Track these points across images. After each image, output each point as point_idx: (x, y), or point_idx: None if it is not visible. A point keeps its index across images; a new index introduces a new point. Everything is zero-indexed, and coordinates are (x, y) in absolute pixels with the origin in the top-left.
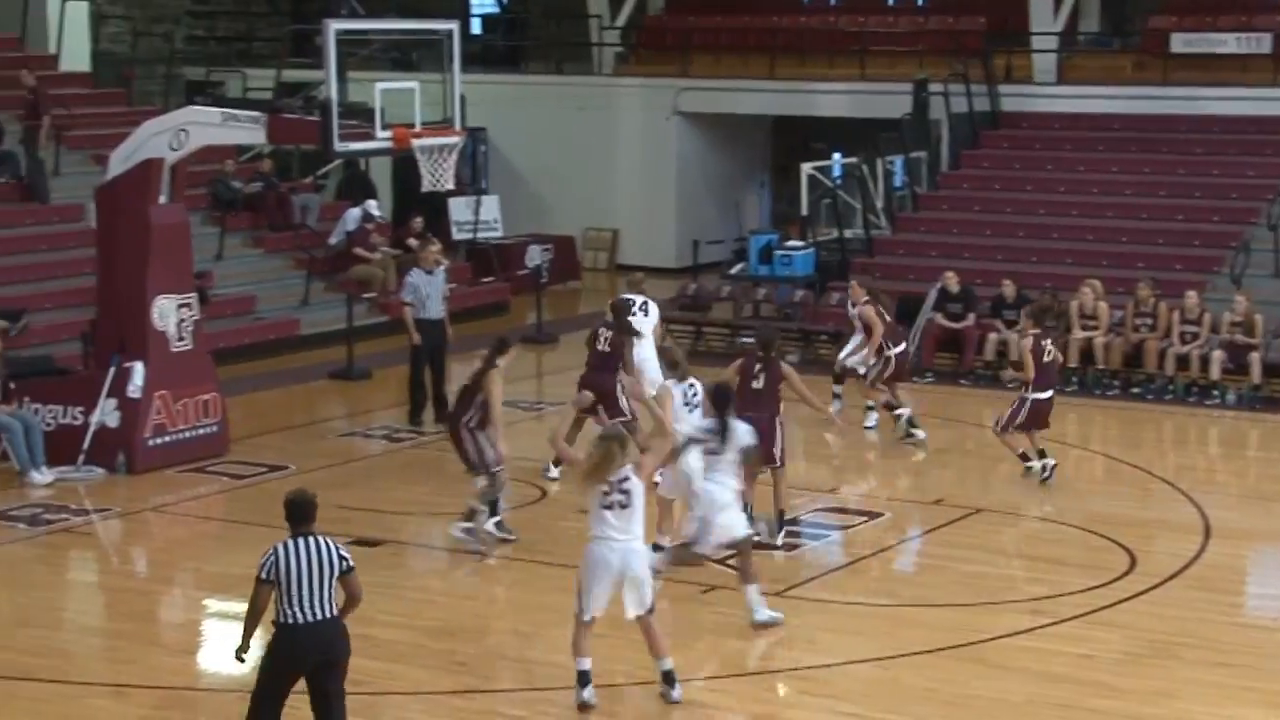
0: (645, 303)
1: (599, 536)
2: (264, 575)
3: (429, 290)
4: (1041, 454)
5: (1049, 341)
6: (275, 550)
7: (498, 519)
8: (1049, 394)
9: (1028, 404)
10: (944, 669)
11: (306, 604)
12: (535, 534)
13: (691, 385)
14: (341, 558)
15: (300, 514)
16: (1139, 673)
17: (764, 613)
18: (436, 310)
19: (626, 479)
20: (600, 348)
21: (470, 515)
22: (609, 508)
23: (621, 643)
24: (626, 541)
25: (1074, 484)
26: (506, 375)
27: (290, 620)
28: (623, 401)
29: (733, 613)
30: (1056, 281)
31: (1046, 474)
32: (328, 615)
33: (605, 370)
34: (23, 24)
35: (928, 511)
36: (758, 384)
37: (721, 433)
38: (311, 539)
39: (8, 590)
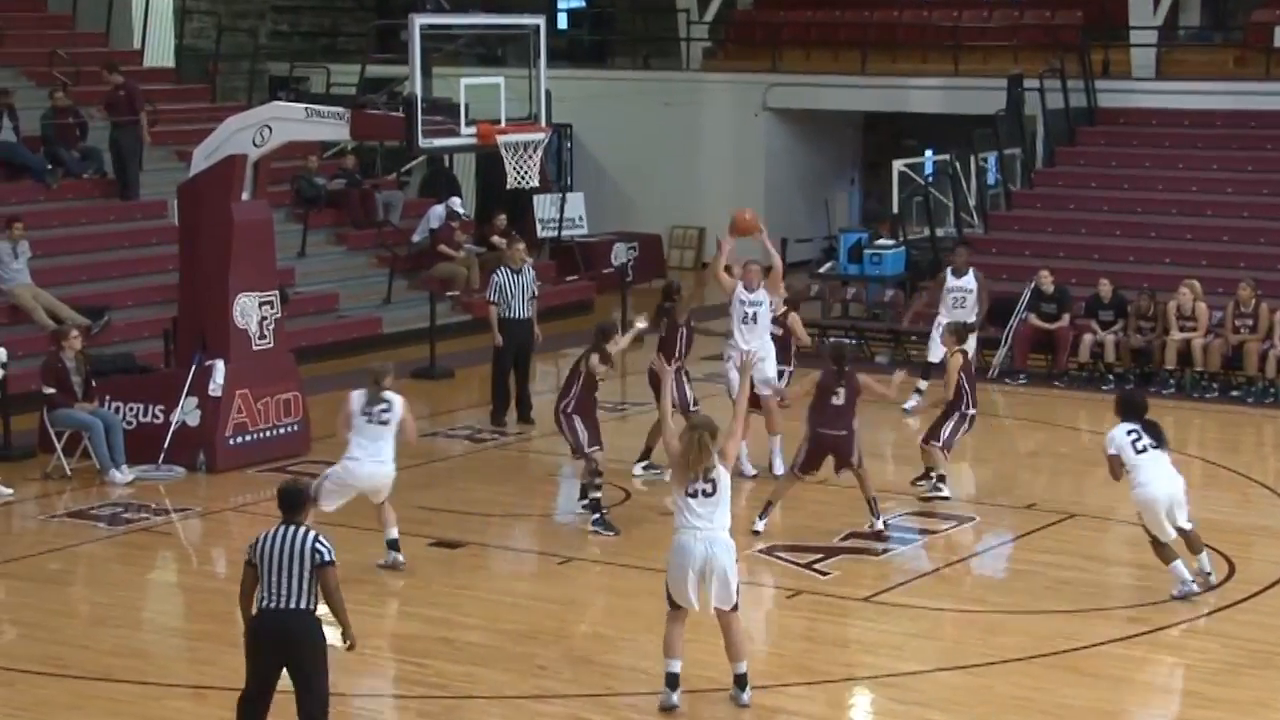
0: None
1: (683, 526)
2: (247, 557)
3: (514, 290)
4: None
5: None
6: (260, 535)
7: (599, 514)
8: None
9: (968, 419)
10: (1037, 677)
11: (275, 590)
12: (619, 536)
13: (386, 404)
14: (315, 550)
15: (286, 503)
16: (1238, 683)
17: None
18: (522, 310)
19: (712, 468)
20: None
21: (588, 497)
22: (693, 496)
23: (706, 648)
24: (711, 531)
25: None
26: (615, 362)
27: (261, 604)
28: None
29: (819, 618)
30: (1154, 282)
31: (932, 492)
32: (294, 605)
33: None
34: (108, 20)
35: (1019, 516)
36: (838, 400)
37: (1151, 431)
38: (294, 528)
39: (88, 589)
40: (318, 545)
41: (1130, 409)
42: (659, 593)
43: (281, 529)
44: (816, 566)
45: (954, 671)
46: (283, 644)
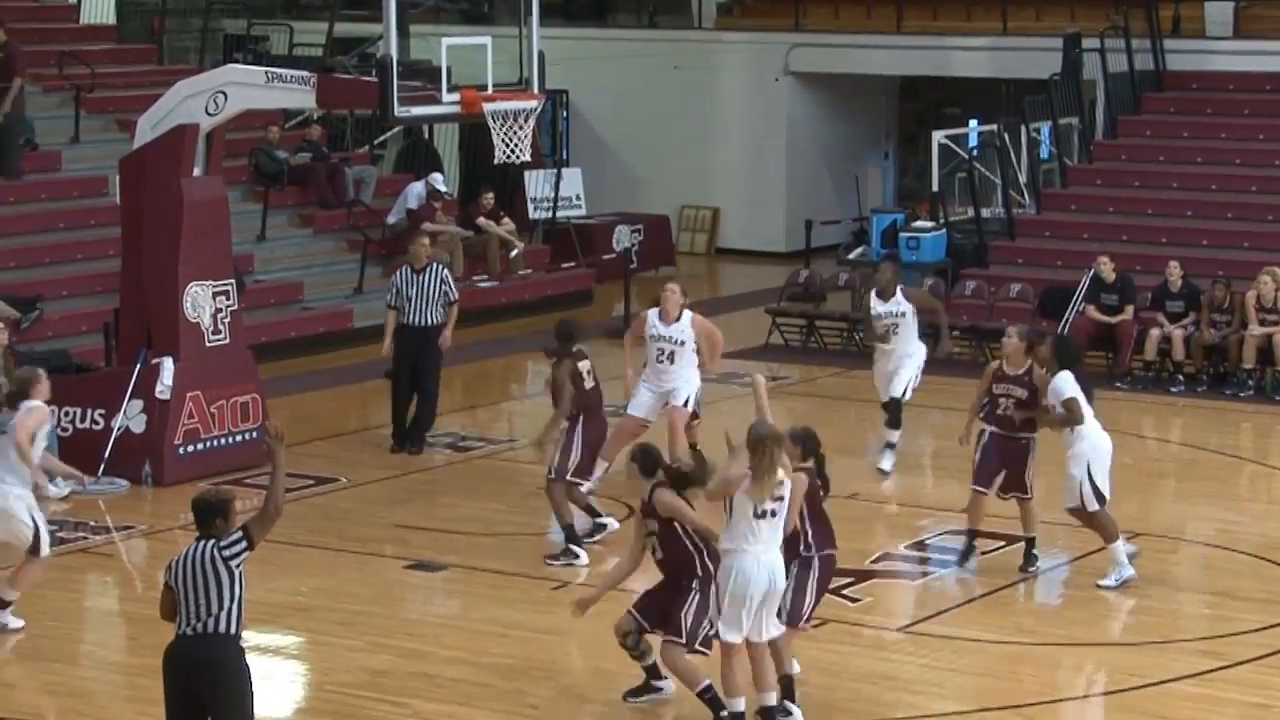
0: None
1: (741, 549)
2: (164, 579)
3: (411, 292)
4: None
5: None
6: (177, 554)
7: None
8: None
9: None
10: (1096, 719)
11: (190, 614)
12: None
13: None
14: (224, 558)
15: (198, 516)
16: None
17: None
18: (424, 316)
19: (782, 482)
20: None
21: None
22: (761, 517)
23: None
24: (772, 556)
25: (1250, 505)
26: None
27: (178, 630)
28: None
29: (847, 651)
30: (1230, 269)
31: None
32: (209, 630)
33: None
34: None
35: (1076, 535)
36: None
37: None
38: (204, 544)
39: (17, 619)
40: (221, 551)
41: (1075, 357)
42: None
43: (197, 546)
44: (845, 592)
45: (1002, 712)
46: (194, 672)
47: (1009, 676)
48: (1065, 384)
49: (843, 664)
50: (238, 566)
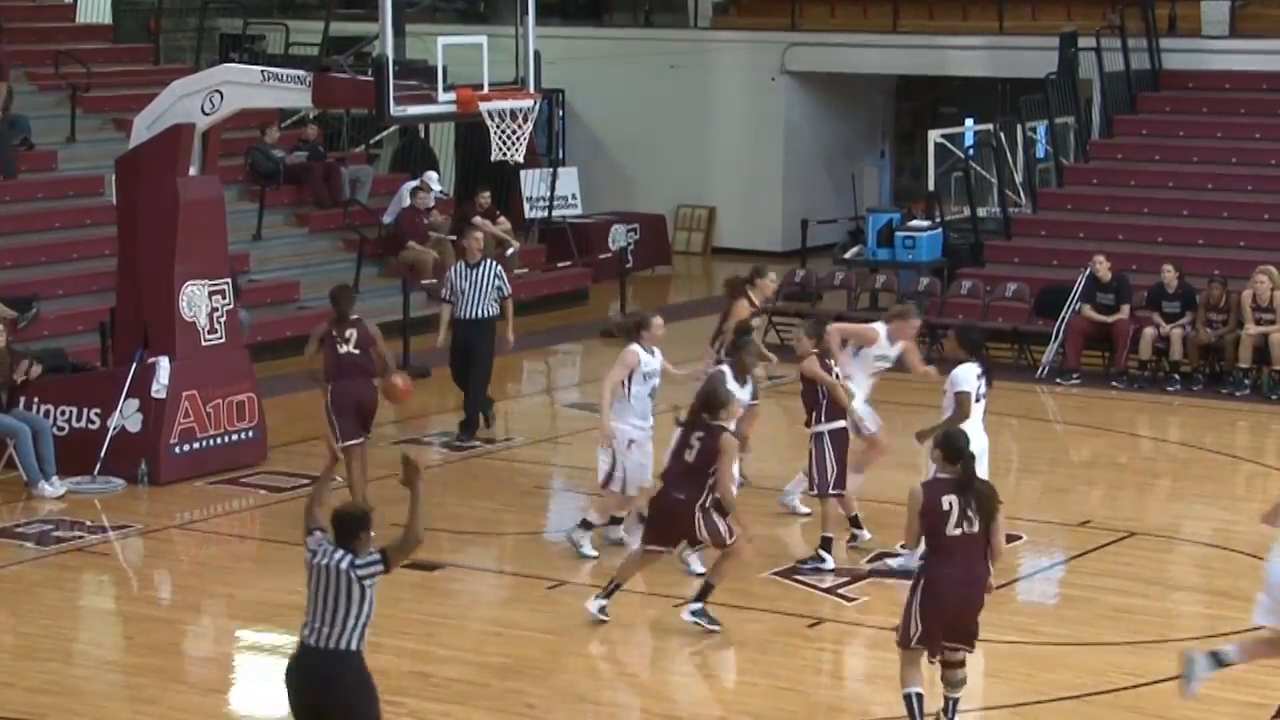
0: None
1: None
2: (309, 542)
3: (465, 285)
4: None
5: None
6: (319, 548)
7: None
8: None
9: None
10: (1092, 718)
11: (315, 621)
12: (616, 558)
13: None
14: (358, 576)
15: (339, 529)
16: None
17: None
18: (477, 309)
19: None
20: (346, 350)
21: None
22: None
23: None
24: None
25: (1245, 503)
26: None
27: (301, 634)
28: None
29: (843, 650)
30: (1226, 268)
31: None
32: (328, 645)
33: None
34: None
35: (1072, 535)
36: None
37: (989, 377)
38: (342, 555)
39: (13, 618)
40: (356, 569)
41: (978, 345)
42: (664, 622)
43: (334, 554)
44: (840, 591)
45: (997, 711)
46: (315, 690)
47: (1006, 676)
48: (961, 377)
49: (839, 664)
50: (370, 586)
